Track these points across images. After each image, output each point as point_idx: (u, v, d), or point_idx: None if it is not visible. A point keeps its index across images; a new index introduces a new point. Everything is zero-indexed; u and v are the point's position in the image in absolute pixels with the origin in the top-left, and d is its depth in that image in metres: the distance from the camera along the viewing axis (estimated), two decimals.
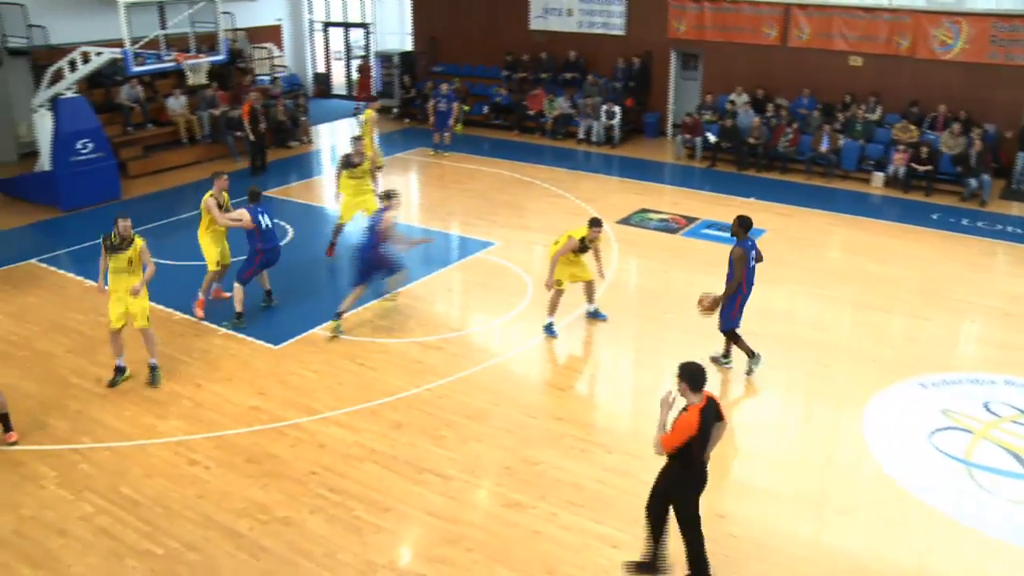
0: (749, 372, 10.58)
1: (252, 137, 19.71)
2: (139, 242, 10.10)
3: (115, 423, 9.63)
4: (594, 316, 12.09)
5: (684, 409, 6.72)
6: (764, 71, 21.11)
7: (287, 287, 13.20)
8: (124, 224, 10.00)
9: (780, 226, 15.92)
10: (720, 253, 14.39)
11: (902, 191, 18.26)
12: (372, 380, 10.51)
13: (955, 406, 9.87)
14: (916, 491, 8.45)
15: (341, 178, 14.28)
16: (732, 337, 10.61)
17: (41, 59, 19.32)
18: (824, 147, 19.03)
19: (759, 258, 10.45)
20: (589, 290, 11.92)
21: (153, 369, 10.53)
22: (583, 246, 11.24)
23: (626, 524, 7.90)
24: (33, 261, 14.43)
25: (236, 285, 11.97)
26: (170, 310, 12.41)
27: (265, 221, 11.71)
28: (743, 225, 10.16)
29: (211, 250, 12.11)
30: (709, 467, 7.06)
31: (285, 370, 10.78)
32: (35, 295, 13.11)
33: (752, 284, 10.40)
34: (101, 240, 10.24)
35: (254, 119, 19.65)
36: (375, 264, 11.68)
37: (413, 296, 13.03)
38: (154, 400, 10.09)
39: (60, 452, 9.11)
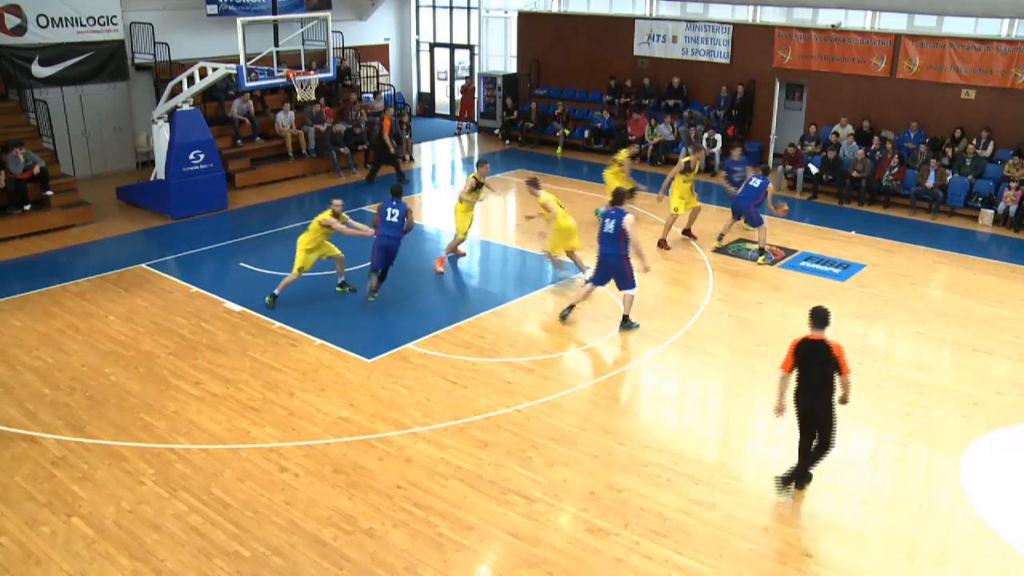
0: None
1: (392, 150, 21.06)
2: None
3: (211, 426, 9.95)
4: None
5: None
6: (870, 103, 20.67)
7: (382, 301, 13.45)
8: (339, 203, 13.07)
9: (881, 261, 15.53)
10: (818, 286, 14.18)
11: (1012, 230, 17.63)
12: (461, 398, 10.62)
13: None
14: (1018, 544, 8.10)
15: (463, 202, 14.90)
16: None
17: (163, 74, 20.29)
18: (930, 182, 18.51)
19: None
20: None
21: (344, 284, 13.86)
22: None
23: (709, 557, 7.79)
24: (144, 265, 15.05)
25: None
26: (270, 319, 12.77)
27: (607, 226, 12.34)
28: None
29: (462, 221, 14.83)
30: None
31: (376, 383, 10.97)
32: (143, 298, 13.65)
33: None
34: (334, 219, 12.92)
35: (393, 133, 21.11)
36: (616, 268, 12.38)
37: (506, 316, 13.13)
38: (249, 407, 10.39)
39: (159, 451, 9.45)
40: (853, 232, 17.20)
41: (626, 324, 12.60)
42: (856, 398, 10.61)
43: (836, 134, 20.41)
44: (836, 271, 14.96)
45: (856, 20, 21.29)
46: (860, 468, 9.39)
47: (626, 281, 12.42)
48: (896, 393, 10.83)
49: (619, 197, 12.61)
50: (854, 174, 19.38)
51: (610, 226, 12.20)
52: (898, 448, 9.80)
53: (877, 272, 15.00)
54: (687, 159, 15.99)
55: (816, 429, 8.52)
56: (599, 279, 12.61)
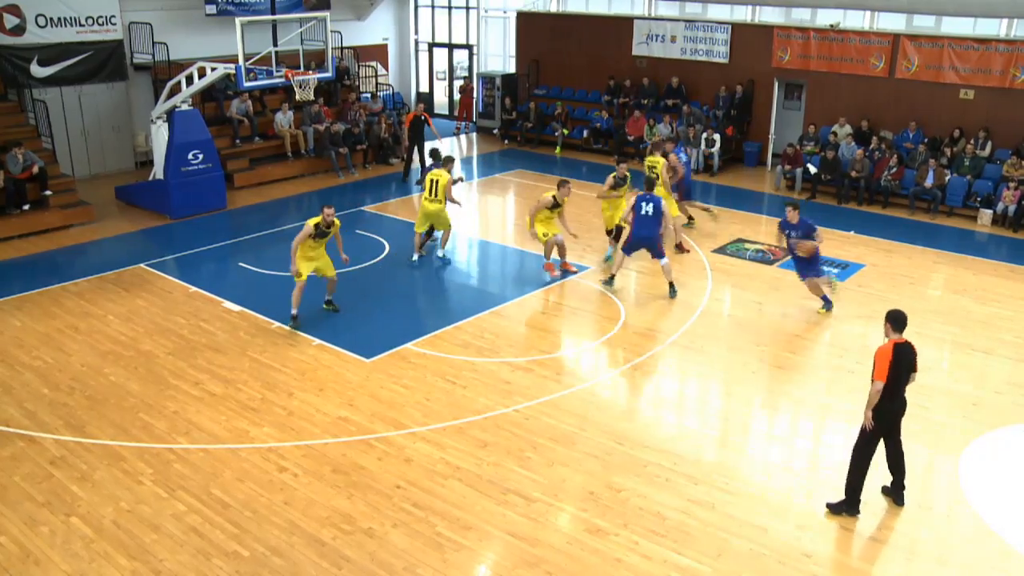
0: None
1: (406, 143, 21.36)
2: (337, 223, 12.39)
3: (210, 426, 9.94)
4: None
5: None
6: (869, 103, 20.69)
7: (381, 301, 13.47)
8: (330, 211, 12.16)
9: (880, 261, 15.54)
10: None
11: (1011, 230, 17.64)
12: (461, 398, 10.62)
13: None
14: (1018, 545, 8.11)
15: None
16: None
17: (161, 74, 20.30)
18: (929, 182, 18.52)
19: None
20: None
21: (330, 302, 13.07)
22: (556, 203, 14.07)
23: (707, 556, 7.79)
24: (143, 265, 15.05)
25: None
26: (268, 319, 12.77)
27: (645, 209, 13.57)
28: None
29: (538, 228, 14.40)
30: None
31: (375, 383, 10.96)
32: (143, 298, 13.65)
33: None
34: (314, 226, 11.98)
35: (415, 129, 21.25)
36: (652, 242, 13.64)
37: (505, 316, 13.13)
38: (248, 406, 10.39)
39: (158, 451, 9.45)
40: (852, 232, 17.21)
41: (674, 290, 13.79)
42: (853, 398, 10.67)
43: (835, 134, 20.43)
44: (835, 271, 14.95)
45: (855, 20, 21.32)
46: None
47: (661, 253, 13.72)
48: None
49: (650, 184, 13.97)
50: (853, 174, 19.39)
51: (648, 209, 13.50)
52: None
53: (876, 272, 15.01)
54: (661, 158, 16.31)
55: (895, 432, 8.47)
56: (631, 251, 14.02)
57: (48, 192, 17.11)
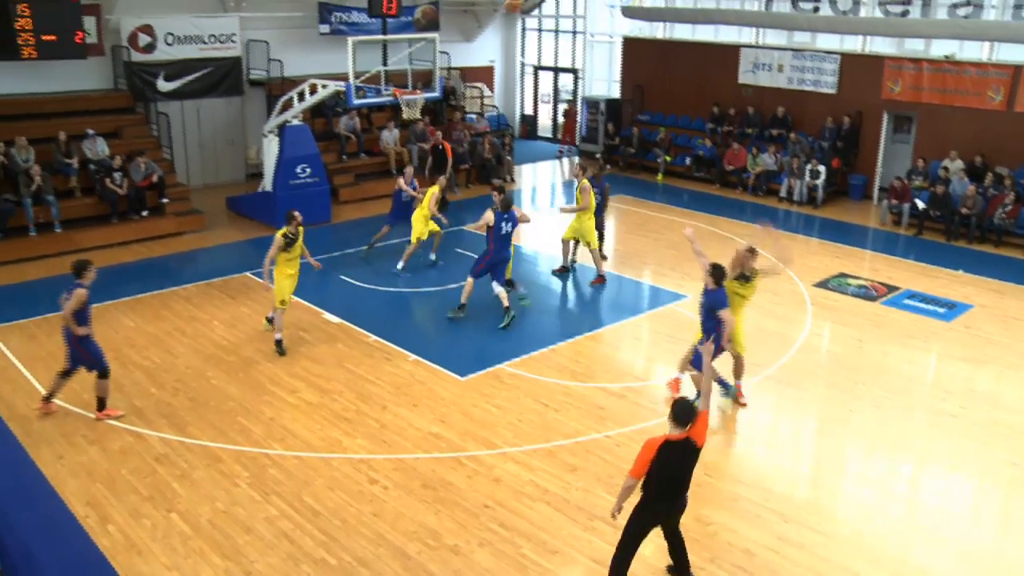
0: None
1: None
2: (300, 230, 12.24)
3: (304, 434, 10.19)
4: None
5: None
6: (984, 137, 19.95)
7: (478, 320, 13.59)
8: (299, 216, 12.16)
9: (991, 303, 14.96)
10: (921, 325, 13.77)
11: None
12: (553, 421, 10.63)
13: None
14: None
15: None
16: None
17: (275, 90, 20.97)
18: None
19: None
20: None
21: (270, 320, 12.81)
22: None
23: None
24: (248, 274, 15.53)
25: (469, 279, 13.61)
26: (366, 332, 13.01)
27: (506, 228, 13.30)
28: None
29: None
30: None
31: (468, 402, 11.07)
32: (247, 305, 14.09)
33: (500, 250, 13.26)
34: (282, 236, 11.95)
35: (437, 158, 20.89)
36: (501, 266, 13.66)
37: (601, 341, 13.11)
38: (343, 417, 10.60)
39: (254, 455, 9.73)
40: (960, 271, 16.63)
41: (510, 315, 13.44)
42: (959, 444, 10.31)
43: (946, 168, 19.79)
44: (941, 311, 14.49)
45: (972, 51, 20.61)
46: (961, 518, 9.04)
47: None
48: (1002, 441, 10.41)
49: (507, 204, 13.33)
50: (963, 211, 18.76)
51: (508, 228, 13.30)
52: (1003, 500, 9.42)
53: (985, 313, 14.47)
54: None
55: (672, 530, 7.60)
56: (488, 273, 13.46)
57: (165, 200, 17.90)
